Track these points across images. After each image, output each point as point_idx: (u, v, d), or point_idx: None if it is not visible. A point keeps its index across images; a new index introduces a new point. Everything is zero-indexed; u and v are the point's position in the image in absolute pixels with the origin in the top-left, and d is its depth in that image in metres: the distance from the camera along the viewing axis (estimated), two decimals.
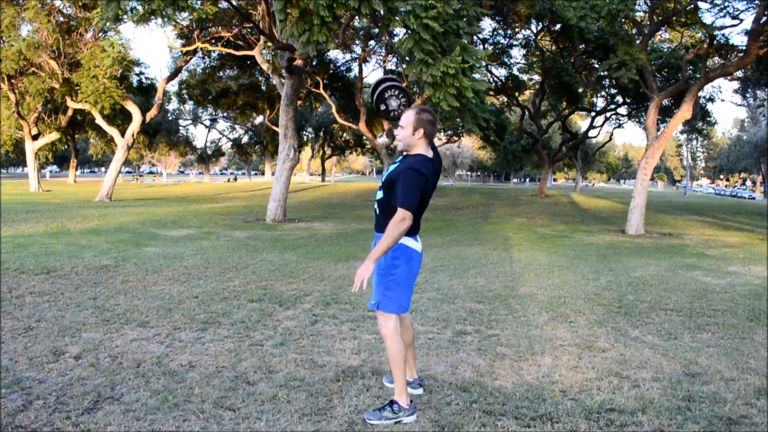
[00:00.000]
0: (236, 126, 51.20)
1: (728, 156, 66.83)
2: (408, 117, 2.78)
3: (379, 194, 2.83)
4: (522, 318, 4.74)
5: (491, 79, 24.88)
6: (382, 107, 2.97)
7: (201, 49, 21.17)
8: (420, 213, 2.77)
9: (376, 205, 2.87)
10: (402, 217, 2.58)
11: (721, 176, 79.96)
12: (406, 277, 2.78)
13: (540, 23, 20.01)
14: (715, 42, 14.99)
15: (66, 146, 36.63)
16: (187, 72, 30.08)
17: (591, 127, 33.66)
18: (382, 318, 2.79)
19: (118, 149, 21.61)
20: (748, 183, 75.80)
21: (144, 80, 28.24)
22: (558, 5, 11.36)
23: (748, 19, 26.55)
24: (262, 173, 72.26)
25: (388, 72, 24.85)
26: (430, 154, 2.80)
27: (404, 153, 2.84)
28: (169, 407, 2.82)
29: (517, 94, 28.23)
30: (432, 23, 7.92)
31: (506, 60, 24.25)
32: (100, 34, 20.33)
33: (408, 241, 2.77)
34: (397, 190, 2.64)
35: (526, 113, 29.82)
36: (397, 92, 2.95)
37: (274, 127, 30.81)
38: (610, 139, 45.27)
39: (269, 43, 15.43)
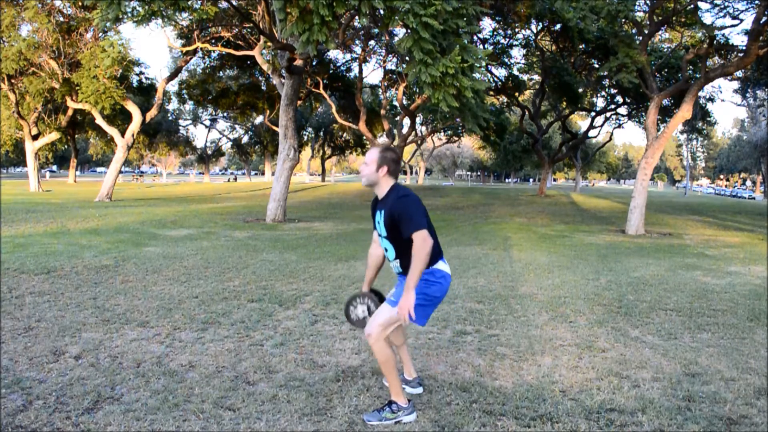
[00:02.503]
0: (236, 126, 51.20)
1: (728, 156, 66.83)
2: (372, 155, 2.82)
3: (386, 243, 2.84)
4: (522, 318, 4.74)
5: (491, 79, 24.88)
6: (353, 319, 3.08)
7: (201, 49, 21.16)
8: (432, 231, 2.78)
9: (389, 255, 2.88)
10: (423, 239, 2.62)
11: (721, 176, 79.95)
12: (436, 296, 2.81)
13: (540, 23, 20.00)
14: (715, 42, 14.99)
15: (66, 146, 36.64)
16: (187, 72, 30.07)
17: (591, 127, 33.66)
18: (375, 325, 2.77)
19: (118, 149, 21.62)
20: (748, 183, 75.80)
21: (144, 80, 28.25)
22: (558, 6, 11.35)
23: (748, 19, 26.58)
24: (262, 173, 72.25)
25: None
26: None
27: (378, 196, 2.87)
28: (169, 407, 2.82)
29: (517, 94, 28.23)
30: (431, 21, 7.90)
31: (506, 60, 24.24)
32: (100, 34, 20.33)
33: (439, 265, 2.82)
34: (403, 223, 2.67)
35: (526, 113, 29.81)
36: (358, 300, 3.06)
37: (274, 127, 30.82)
38: (610, 139, 45.26)
39: (269, 43, 15.43)
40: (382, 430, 2.66)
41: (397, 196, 2.74)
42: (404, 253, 2.77)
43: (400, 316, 2.65)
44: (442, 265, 2.84)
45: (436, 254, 2.79)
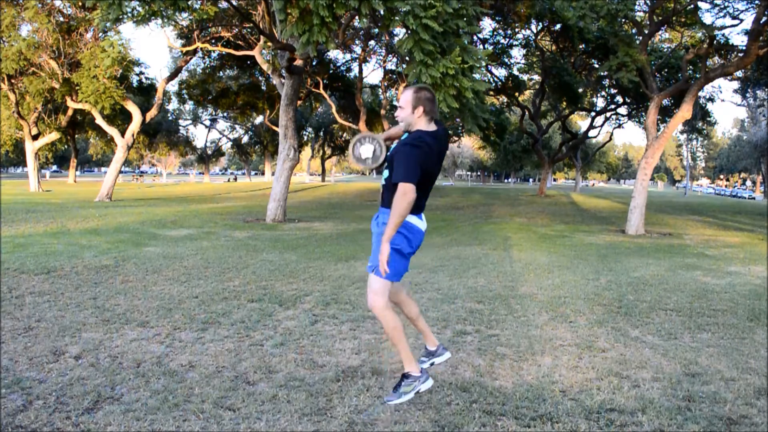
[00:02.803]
0: (236, 126, 51.22)
1: (728, 156, 66.85)
2: (406, 96, 2.79)
3: (385, 173, 2.86)
4: (522, 318, 4.74)
5: (491, 79, 24.88)
6: (356, 154, 3.02)
7: (201, 49, 21.17)
8: (426, 189, 2.78)
9: (383, 181, 2.90)
10: (403, 191, 2.60)
11: (721, 176, 79.95)
12: (404, 247, 2.78)
13: (540, 23, 20.02)
14: (715, 42, 14.99)
15: (66, 146, 36.65)
16: (187, 72, 30.08)
17: (591, 127, 33.68)
18: (372, 295, 2.78)
19: (118, 149, 21.62)
20: (748, 183, 75.80)
21: (144, 80, 28.25)
22: (558, 5, 11.35)
23: (748, 19, 26.56)
24: (262, 173, 72.25)
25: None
26: (432, 128, 2.82)
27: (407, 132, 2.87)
28: (169, 407, 2.82)
29: (517, 94, 28.24)
30: (431, 23, 7.91)
31: (506, 60, 24.26)
32: (100, 35, 20.33)
33: (411, 219, 2.79)
34: (395, 167, 2.67)
35: (526, 113, 29.82)
36: (367, 140, 3.01)
37: (274, 127, 30.82)
38: (610, 139, 45.30)
39: (269, 43, 15.44)
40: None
41: (408, 141, 2.72)
42: (389, 192, 2.75)
43: (380, 268, 2.65)
44: (415, 220, 2.80)
45: (415, 208, 2.76)
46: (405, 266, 2.84)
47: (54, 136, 27.07)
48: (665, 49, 20.78)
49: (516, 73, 25.99)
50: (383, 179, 2.89)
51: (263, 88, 29.35)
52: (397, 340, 2.78)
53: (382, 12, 8.45)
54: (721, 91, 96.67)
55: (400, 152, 2.70)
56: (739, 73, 18.61)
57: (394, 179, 2.66)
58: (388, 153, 2.85)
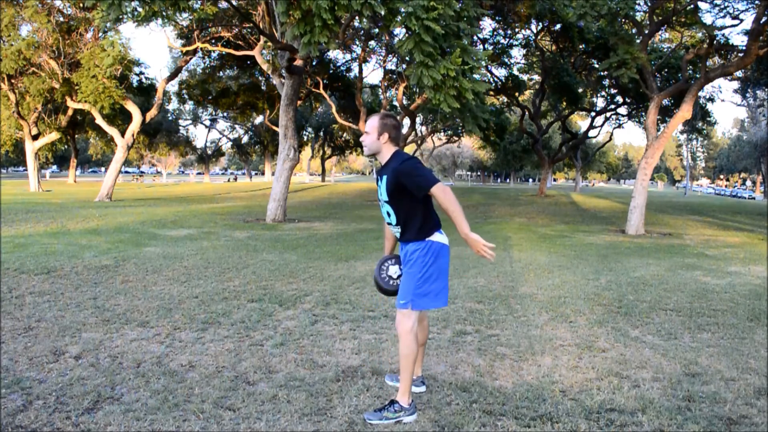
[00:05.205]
0: (236, 126, 51.20)
1: (728, 156, 66.84)
2: (372, 122, 2.84)
3: (387, 207, 2.84)
4: (522, 318, 4.74)
5: (491, 80, 24.88)
6: (386, 280, 3.02)
7: (201, 49, 21.15)
8: (430, 203, 2.84)
9: (391, 221, 2.88)
10: (442, 191, 2.64)
11: (721, 176, 79.96)
12: (438, 272, 2.81)
13: (540, 23, 20.02)
14: (715, 42, 14.99)
15: (66, 146, 36.65)
16: (187, 72, 30.04)
17: (591, 127, 33.65)
18: (401, 316, 2.79)
19: (118, 149, 21.62)
20: (748, 183, 75.80)
21: (144, 80, 28.22)
22: (558, 4, 11.35)
23: (748, 19, 26.58)
24: (262, 173, 72.23)
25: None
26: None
27: (380, 164, 2.89)
28: (169, 407, 2.82)
29: (517, 94, 28.22)
30: (433, 25, 7.91)
31: (506, 60, 24.26)
32: (100, 34, 20.34)
33: (435, 236, 2.83)
34: (416, 183, 2.68)
35: (526, 113, 29.80)
36: (392, 261, 3.03)
37: (274, 127, 30.81)
38: (610, 139, 45.27)
39: (269, 43, 15.44)
40: (382, 429, 2.66)
41: (401, 160, 2.75)
42: (405, 221, 2.78)
43: (488, 256, 2.66)
44: (438, 237, 2.85)
45: (437, 222, 2.84)
46: (445, 289, 2.85)
47: (54, 136, 27.06)
48: (665, 49, 20.77)
49: (516, 73, 26.00)
50: (392, 220, 2.86)
51: (263, 88, 29.33)
52: (405, 367, 2.77)
53: (382, 13, 8.45)
54: (721, 91, 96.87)
55: (404, 169, 2.70)
56: (739, 73, 18.62)
57: (424, 192, 2.68)
58: (384, 183, 2.80)
